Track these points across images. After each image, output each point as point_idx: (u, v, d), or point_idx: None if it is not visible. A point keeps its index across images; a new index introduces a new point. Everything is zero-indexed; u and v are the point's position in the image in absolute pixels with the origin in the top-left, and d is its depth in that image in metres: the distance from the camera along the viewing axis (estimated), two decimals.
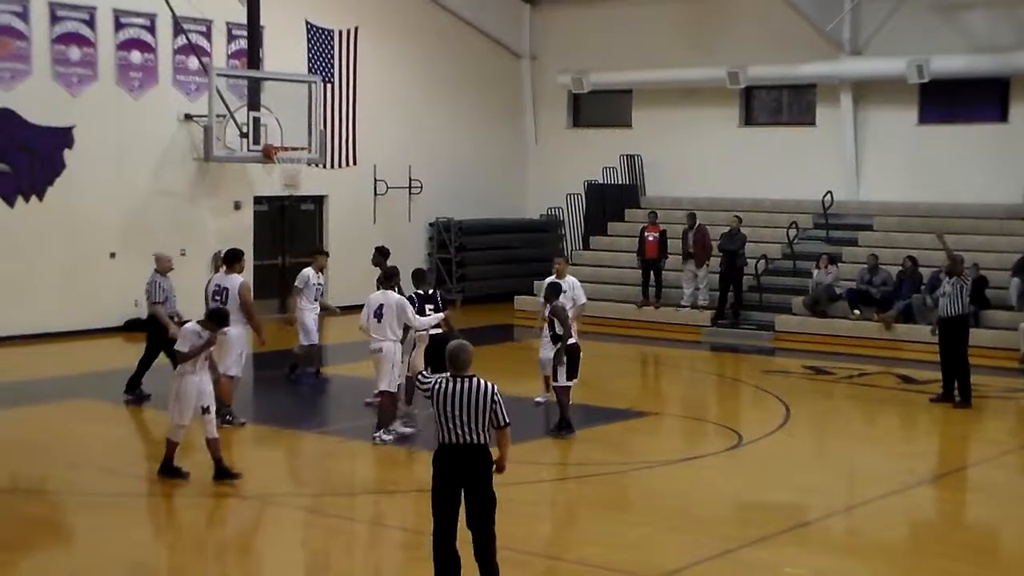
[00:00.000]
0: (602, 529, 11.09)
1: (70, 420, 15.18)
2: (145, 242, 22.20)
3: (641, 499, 12.17)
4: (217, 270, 15.19)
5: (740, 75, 25.72)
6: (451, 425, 8.43)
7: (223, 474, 11.99)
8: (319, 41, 24.66)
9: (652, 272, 23.84)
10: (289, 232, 25.04)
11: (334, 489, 12.51)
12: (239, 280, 14.33)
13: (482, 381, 8.51)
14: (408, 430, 13.88)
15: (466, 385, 8.47)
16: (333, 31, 24.83)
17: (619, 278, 24.85)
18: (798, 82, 26.34)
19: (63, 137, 21.24)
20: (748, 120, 27.27)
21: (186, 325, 12.24)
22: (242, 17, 22.49)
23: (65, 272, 21.32)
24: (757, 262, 23.36)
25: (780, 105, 27.48)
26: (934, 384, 17.00)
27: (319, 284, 17.13)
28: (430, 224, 27.38)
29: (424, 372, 8.91)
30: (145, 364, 16.00)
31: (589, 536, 10.90)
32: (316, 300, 17.09)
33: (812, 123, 26.34)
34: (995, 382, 17.99)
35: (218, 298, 14.23)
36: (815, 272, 22.68)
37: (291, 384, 17.21)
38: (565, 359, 14.14)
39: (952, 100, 24.73)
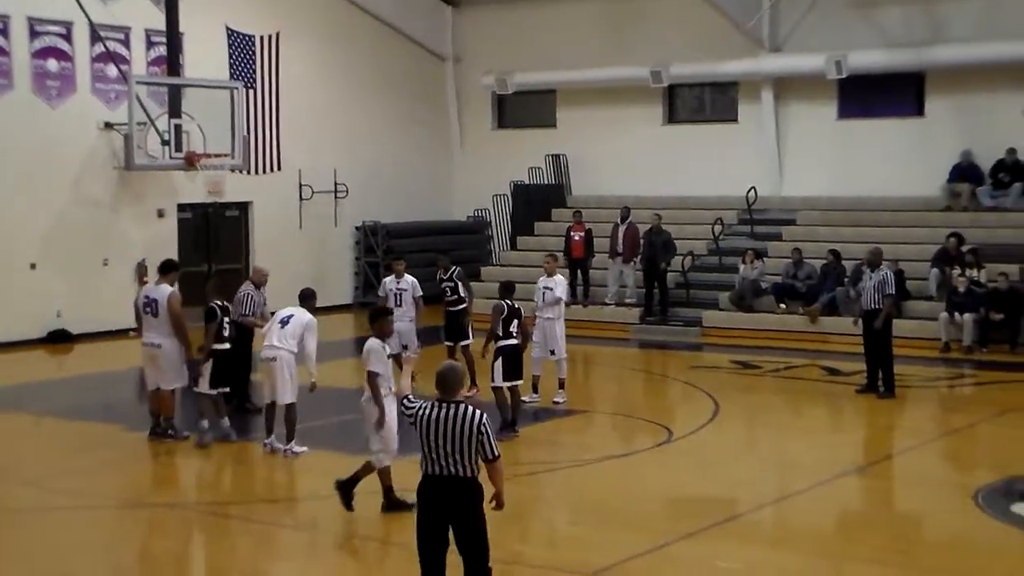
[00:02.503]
0: (535, 527, 11.11)
1: None
2: (66, 252, 21.94)
3: (573, 496, 12.21)
4: (140, 280, 14.95)
5: (662, 74, 25.92)
6: (434, 455, 7.77)
7: (396, 504, 10.92)
8: (240, 47, 24.45)
9: (579, 271, 23.93)
10: (214, 239, 24.80)
11: (262, 496, 12.43)
12: (168, 291, 14.05)
13: (469, 409, 7.82)
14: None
15: (451, 412, 7.77)
16: (254, 36, 24.63)
17: None
18: (720, 79, 26.60)
19: None
20: (671, 118, 27.49)
21: (368, 342, 11.24)
22: (161, 24, 22.26)
23: None
24: (684, 259, 23.54)
25: (702, 103, 27.73)
26: (859, 375, 17.25)
27: (400, 290, 16.70)
28: (356, 228, 27.27)
29: (409, 397, 8.16)
30: (243, 375, 15.45)
31: (522, 534, 10.90)
32: (400, 305, 16.52)
33: (734, 120, 26.62)
34: (918, 371, 18.30)
35: (148, 310, 14.02)
36: (741, 267, 22.90)
37: None
38: (501, 359, 14.18)
39: (870, 95, 25.13)
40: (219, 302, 14.15)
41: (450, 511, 7.78)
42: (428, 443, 7.79)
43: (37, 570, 10.00)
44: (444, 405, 7.83)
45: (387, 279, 17.07)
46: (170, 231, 23.54)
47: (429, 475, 7.83)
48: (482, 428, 7.75)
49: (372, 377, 11.03)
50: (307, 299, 13.77)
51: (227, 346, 14.07)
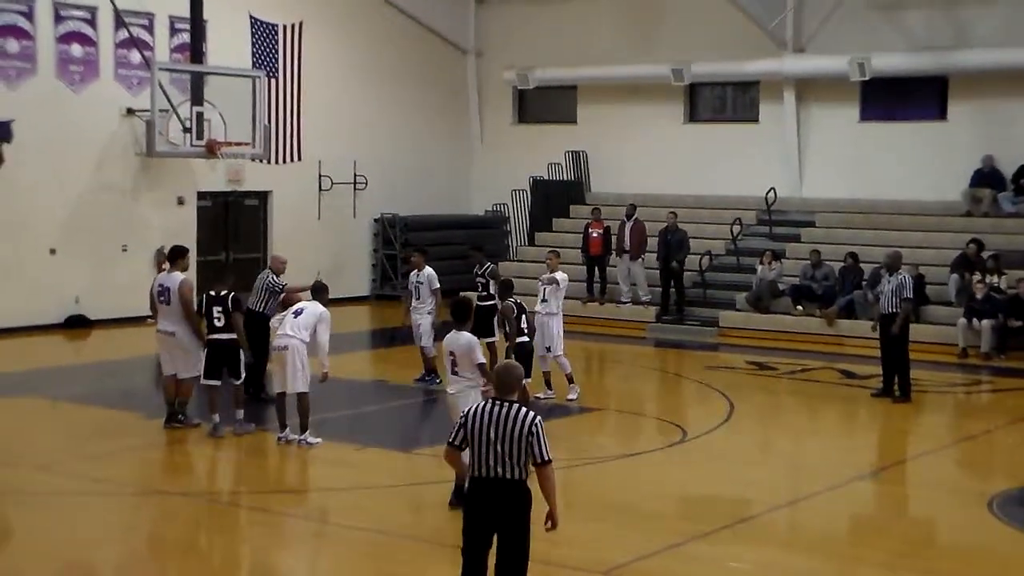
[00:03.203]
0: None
1: (8, 417, 14.98)
2: (86, 238, 22.03)
3: (586, 495, 12.19)
4: (159, 267, 14.92)
5: (684, 72, 25.87)
6: (483, 454, 7.53)
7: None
8: (263, 36, 24.47)
9: (597, 268, 23.90)
10: (233, 228, 24.86)
11: (276, 487, 12.46)
12: (180, 278, 14.08)
13: (522, 409, 7.60)
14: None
15: (504, 411, 7.54)
16: (277, 26, 24.66)
17: None
18: (742, 79, 26.53)
19: (1, 131, 20.87)
20: (692, 117, 27.43)
21: (470, 337, 11.12)
22: (185, 11, 22.31)
23: (4, 268, 21.03)
24: (701, 258, 23.50)
25: (724, 102, 27.66)
26: (875, 379, 17.19)
27: (418, 283, 16.73)
28: (375, 220, 27.30)
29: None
30: (261, 363, 15.17)
31: (535, 532, 10.89)
32: (420, 299, 16.67)
33: (755, 120, 26.55)
34: (934, 377, 18.22)
35: (162, 298, 14.04)
36: (759, 268, 22.85)
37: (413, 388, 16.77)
38: (513, 357, 14.18)
39: (892, 98, 25.04)
40: (211, 292, 13.96)
41: (497, 516, 7.59)
42: (477, 442, 7.57)
43: (48, 555, 10.04)
44: (498, 403, 7.61)
45: (411, 274, 17.12)
46: (189, 219, 23.60)
47: (477, 478, 7.62)
48: (534, 429, 7.53)
49: (484, 367, 10.97)
50: (319, 292, 13.80)
51: (222, 336, 13.69)
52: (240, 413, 13.89)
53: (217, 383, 13.81)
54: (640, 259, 23.46)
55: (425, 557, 10.06)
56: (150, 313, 14.75)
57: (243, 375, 13.93)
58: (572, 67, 27.54)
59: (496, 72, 28.77)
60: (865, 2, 24.70)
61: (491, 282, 16.89)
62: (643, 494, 12.07)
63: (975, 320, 20.22)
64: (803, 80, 25.45)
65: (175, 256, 14.40)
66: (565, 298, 16.64)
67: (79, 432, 14.15)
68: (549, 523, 7.78)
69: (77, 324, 21.85)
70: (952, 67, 23.80)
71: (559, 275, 16.36)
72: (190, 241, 22.28)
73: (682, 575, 9.87)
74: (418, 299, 16.76)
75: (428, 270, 16.80)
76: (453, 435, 7.76)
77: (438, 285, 16.77)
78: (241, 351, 13.87)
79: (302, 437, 13.35)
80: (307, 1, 25.52)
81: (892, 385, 16.55)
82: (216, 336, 13.76)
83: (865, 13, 24.71)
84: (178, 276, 14.10)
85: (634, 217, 23.54)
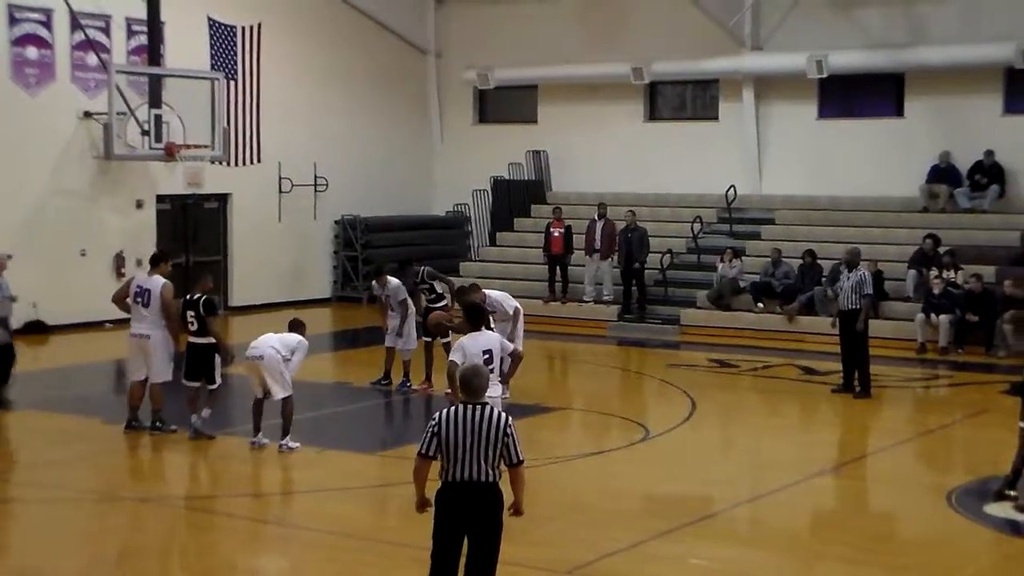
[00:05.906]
0: (510, 524, 11.11)
1: None
2: (43, 243, 21.82)
3: (549, 494, 12.19)
4: (118, 271, 14.76)
5: (644, 71, 25.95)
6: (456, 457, 7.48)
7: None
8: (221, 37, 24.36)
9: (558, 267, 23.95)
10: (193, 231, 24.71)
11: (238, 490, 12.41)
12: (161, 282, 14.01)
13: (495, 410, 7.62)
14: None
15: (476, 413, 7.52)
16: (236, 27, 24.55)
17: (526, 274, 24.95)
18: (701, 77, 26.63)
19: None
20: (652, 115, 27.50)
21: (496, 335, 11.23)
22: (142, 12, 22.17)
23: None
24: (662, 256, 23.58)
25: (684, 100, 27.74)
26: (835, 375, 17.32)
27: (385, 295, 16.56)
28: (336, 222, 27.20)
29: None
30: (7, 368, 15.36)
31: None
32: (392, 310, 16.57)
33: (715, 118, 26.66)
34: (894, 372, 18.38)
35: (140, 299, 13.96)
36: (719, 266, 22.95)
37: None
38: None
39: (850, 95, 25.24)
40: (188, 296, 14.03)
41: (470, 519, 7.58)
42: (450, 446, 7.52)
43: (7, 563, 9.96)
44: (469, 407, 7.59)
45: (374, 283, 17.03)
46: (148, 222, 23.43)
47: (450, 482, 7.58)
48: (508, 430, 7.55)
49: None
50: (296, 327, 13.71)
51: (197, 340, 13.77)
52: (205, 416, 13.82)
53: (196, 384, 13.81)
54: (610, 258, 23.50)
55: (389, 559, 10.05)
56: (112, 317, 14.61)
57: (218, 381, 13.89)
58: (532, 67, 27.55)
59: (456, 72, 28.75)
60: (822, 0, 24.86)
61: (434, 283, 16.79)
62: (606, 493, 12.09)
63: (933, 315, 20.40)
64: (762, 78, 25.58)
65: (156, 260, 14.37)
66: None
67: (39, 439, 14.02)
68: (513, 510, 7.86)
69: (35, 330, 21.62)
70: (908, 64, 24.00)
71: (493, 300, 14.84)
72: (149, 245, 22.11)
73: (645, 573, 9.90)
74: (390, 310, 16.65)
75: (392, 281, 16.61)
76: (424, 445, 7.65)
77: (405, 295, 16.60)
78: (217, 355, 13.80)
79: (283, 441, 13.29)
80: (265, 3, 25.41)
81: (852, 381, 16.68)
82: (192, 340, 13.81)
83: (822, 11, 24.87)
84: (159, 280, 14.04)
85: (605, 217, 23.58)
